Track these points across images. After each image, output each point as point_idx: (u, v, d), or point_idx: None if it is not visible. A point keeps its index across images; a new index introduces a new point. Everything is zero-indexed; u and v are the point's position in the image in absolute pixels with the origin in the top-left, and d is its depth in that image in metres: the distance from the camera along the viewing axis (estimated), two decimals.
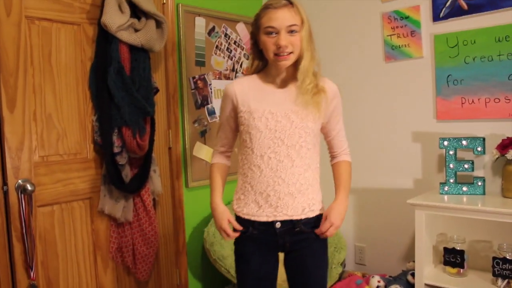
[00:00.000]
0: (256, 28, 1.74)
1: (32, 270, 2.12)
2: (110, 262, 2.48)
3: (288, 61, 1.69)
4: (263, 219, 1.75)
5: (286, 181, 1.71)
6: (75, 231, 2.34)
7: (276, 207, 1.73)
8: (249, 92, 1.77)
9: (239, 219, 1.81)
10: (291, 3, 1.68)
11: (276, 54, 1.68)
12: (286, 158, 1.70)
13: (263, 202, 1.74)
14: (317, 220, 1.78)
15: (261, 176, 1.73)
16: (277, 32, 1.66)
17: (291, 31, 1.66)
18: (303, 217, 1.74)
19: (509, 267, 2.17)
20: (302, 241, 1.77)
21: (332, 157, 1.90)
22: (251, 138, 1.74)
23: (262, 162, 1.72)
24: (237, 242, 1.85)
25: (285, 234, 1.75)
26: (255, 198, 1.76)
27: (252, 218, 1.77)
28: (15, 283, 2.11)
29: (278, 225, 1.73)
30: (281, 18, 1.64)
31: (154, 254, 2.59)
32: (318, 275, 1.80)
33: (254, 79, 1.80)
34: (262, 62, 1.81)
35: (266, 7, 1.69)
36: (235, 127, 1.87)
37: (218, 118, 3.00)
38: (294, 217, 1.73)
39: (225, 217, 1.80)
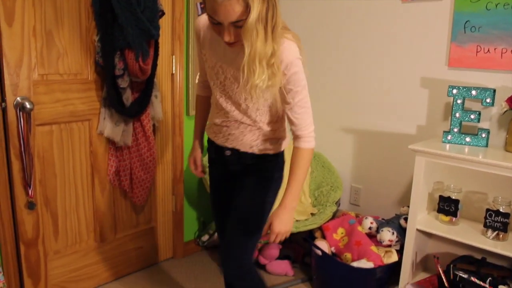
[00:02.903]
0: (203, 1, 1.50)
1: (30, 188, 2.14)
2: (108, 184, 2.50)
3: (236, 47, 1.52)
4: (218, 142, 1.84)
5: (236, 126, 1.74)
6: (73, 152, 2.33)
7: (227, 139, 1.79)
8: (206, 36, 1.69)
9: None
10: None
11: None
12: (235, 111, 1.70)
13: (218, 131, 1.81)
14: (264, 156, 1.78)
15: (218, 113, 1.78)
16: (221, 24, 1.44)
17: (237, 25, 1.42)
18: (249, 151, 1.76)
19: (501, 220, 2.19)
20: (247, 170, 1.80)
21: (293, 136, 1.70)
22: (209, 80, 1.76)
23: (217, 104, 1.75)
24: (208, 164, 2.00)
25: (234, 162, 1.81)
26: (213, 125, 1.84)
27: (212, 138, 1.87)
28: (13, 200, 2.13)
29: (227, 153, 1.81)
30: (223, 13, 1.39)
31: (151, 179, 2.61)
32: (252, 196, 1.80)
33: (210, 26, 1.60)
34: None
35: None
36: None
37: None
38: (242, 150, 1.77)
39: (192, 157, 2.03)
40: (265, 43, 1.44)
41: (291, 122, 1.65)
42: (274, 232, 1.62)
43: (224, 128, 1.77)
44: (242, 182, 1.82)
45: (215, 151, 1.87)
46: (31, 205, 2.17)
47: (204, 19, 1.69)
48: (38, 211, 2.23)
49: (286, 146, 1.85)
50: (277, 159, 1.82)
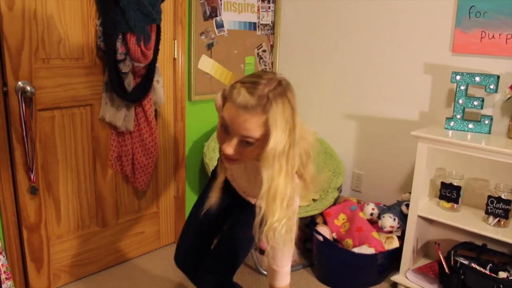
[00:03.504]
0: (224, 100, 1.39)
1: (32, 173, 2.14)
2: (109, 170, 2.50)
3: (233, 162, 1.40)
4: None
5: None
6: (75, 137, 2.33)
7: (232, 181, 1.79)
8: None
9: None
10: (262, 108, 1.23)
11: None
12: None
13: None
14: None
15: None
16: (230, 133, 1.30)
17: (246, 142, 1.28)
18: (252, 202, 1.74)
19: (502, 207, 2.20)
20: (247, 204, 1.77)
21: (270, 270, 1.60)
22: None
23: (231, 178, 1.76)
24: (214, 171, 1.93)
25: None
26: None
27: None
28: (16, 185, 2.13)
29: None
30: (237, 122, 1.25)
31: (153, 165, 2.61)
32: (241, 235, 1.76)
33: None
34: None
35: (231, 92, 1.29)
36: None
37: (226, 32, 2.88)
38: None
39: None
40: (286, 182, 1.29)
41: (269, 251, 1.45)
42: None
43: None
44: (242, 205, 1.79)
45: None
46: (33, 190, 2.17)
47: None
48: (40, 196, 2.23)
49: None
50: None
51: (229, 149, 1.29)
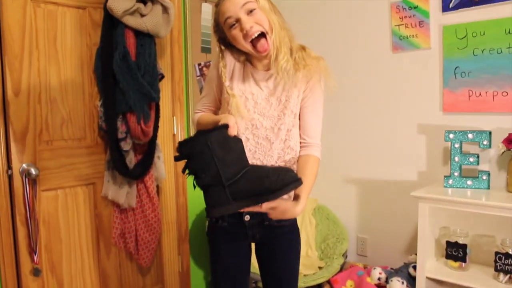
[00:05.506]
0: (221, 31, 1.62)
1: (35, 254, 2.14)
2: (113, 247, 2.49)
3: (265, 45, 1.54)
4: None
5: (264, 164, 1.62)
6: (78, 216, 2.35)
7: None
8: (235, 69, 1.65)
9: None
10: None
11: (251, 41, 1.53)
12: (265, 140, 1.62)
13: None
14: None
15: None
16: (237, 20, 1.53)
17: (250, 11, 1.52)
18: None
19: (511, 262, 2.16)
20: (273, 233, 1.70)
21: (301, 146, 1.68)
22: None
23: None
24: (208, 233, 1.80)
25: (255, 226, 1.68)
26: None
27: None
28: (19, 267, 2.12)
29: (247, 218, 1.66)
30: (232, 3, 1.52)
31: (157, 240, 2.60)
32: (288, 266, 1.74)
33: (242, 60, 1.66)
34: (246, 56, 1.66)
35: (216, 4, 1.59)
36: (220, 99, 1.74)
37: None
38: None
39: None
40: (280, 29, 1.56)
41: (306, 132, 1.67)
42: (278, 209, 1.47)
43: None
44: (270, 250, 1.72)
45: (226, 217, 1.68)
46: (36, 272, 2.16)
47: (229, 55, 1.67)
48: (43, 278, 2.21)
49: None
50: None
51: (247, 24, 1.51)
